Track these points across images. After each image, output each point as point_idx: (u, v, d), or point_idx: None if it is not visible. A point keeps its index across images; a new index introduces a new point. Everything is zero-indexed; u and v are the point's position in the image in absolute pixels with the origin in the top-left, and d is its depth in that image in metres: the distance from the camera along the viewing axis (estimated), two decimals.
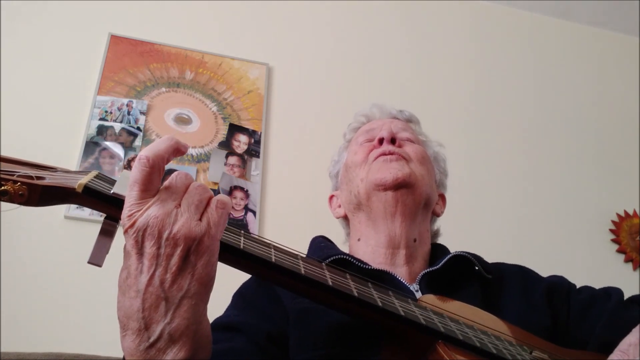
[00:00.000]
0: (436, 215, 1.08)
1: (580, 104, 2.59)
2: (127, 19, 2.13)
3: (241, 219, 1.89)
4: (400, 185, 0.94)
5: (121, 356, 0.57)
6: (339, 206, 1.09)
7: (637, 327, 0.65)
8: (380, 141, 1.01)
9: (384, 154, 0.98)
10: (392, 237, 0.95)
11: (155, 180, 0.55)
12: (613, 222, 2.33)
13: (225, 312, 0.88)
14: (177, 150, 0.57)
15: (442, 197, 1.12)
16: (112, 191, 0.57)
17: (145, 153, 0.54)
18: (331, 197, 1.13)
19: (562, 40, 2.74)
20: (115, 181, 0.58)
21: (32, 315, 1.58)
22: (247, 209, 1.91)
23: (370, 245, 0.98)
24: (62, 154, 1.83)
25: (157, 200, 0.54)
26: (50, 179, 0.58)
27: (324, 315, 0.79)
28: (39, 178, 0.57)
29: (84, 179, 0.57)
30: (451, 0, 2.64)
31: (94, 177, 0.59)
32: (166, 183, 0.56)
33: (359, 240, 1.01)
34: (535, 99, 2.55)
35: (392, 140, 1.01)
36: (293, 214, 1.97)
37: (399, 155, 0.98)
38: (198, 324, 0.54)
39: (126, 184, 0.55)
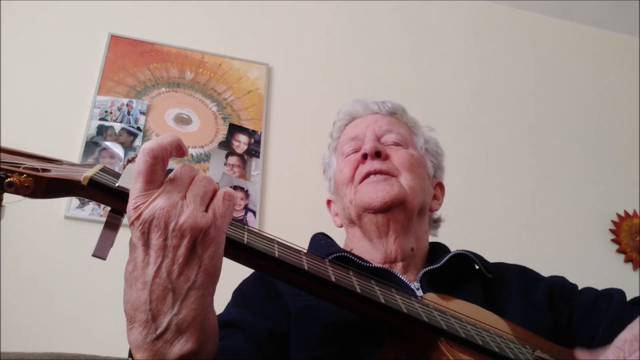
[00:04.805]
0: (432, 211, 1.06)
1: (580, 104, 2.59)
2: (127, 19, 2.13)
3: (241, 219, 1.89)
4: (390, 207, 0.93)
5: (121, 356, 0.57)
6: (336, 215, 1.08)
7: (632, 323, 0.65)
8: (365, 156, 0.98)
9: (370, 174, 0.96)
10: (388, 254, 0.95)
11: (159, 172, 0.55)
12: (613, 222, 2.33)
13: (226, 309, 0.88)
14: (180, 148, 0.58)
15: (440, 186, 1.10)
16: (117, 184, 0.57)
17: (148, 145, 0.55)
18: (328, 201, 1.12)
19: (563, 40, 2.74)
20: (120, 175, 0.58)
21: (32, 315, 1.58)
22: (247, 209, 1.91)
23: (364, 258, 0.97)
24: (62, 154, 1.80)
25: (162, 191, 0.54)
26: (55, 172, 0.58)
27: (325, 314, 0.79)
28: (44, 170, 0.57)
29: (89, 172, 0.57)
30: (451, 0, 2.64)
31: (99, 170, 0.59)
32: (171, 175, 0.56)
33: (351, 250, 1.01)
34: (535, 99, 2.54)
35: (378, 154, 0.98)
36: (293, 214, 1.96)
37: (386, 173, 0.96)
38: (205, 315, 0.54)
39: (131, 178, 0.55)
